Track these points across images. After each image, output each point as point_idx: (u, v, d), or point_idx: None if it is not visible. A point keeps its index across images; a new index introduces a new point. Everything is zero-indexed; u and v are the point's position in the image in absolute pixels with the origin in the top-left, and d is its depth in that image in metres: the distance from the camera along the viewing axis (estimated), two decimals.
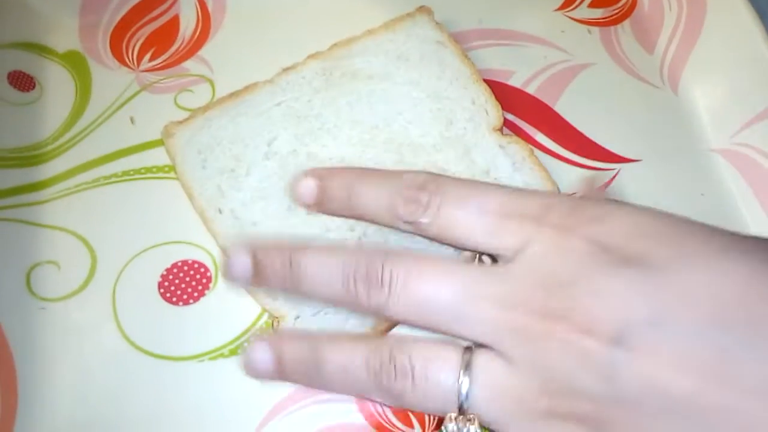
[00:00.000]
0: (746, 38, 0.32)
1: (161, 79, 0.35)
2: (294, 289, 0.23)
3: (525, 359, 0.19)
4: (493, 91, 0.32)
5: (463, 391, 0.20)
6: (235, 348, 0.28)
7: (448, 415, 0.20)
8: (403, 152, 0.30)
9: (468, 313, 0.20)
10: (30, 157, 0.32)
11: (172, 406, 0.27)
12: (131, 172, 0.32)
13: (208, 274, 0.29)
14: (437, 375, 0.20)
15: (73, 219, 0.31)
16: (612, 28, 0.37)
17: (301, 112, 0.32)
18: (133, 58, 0.36)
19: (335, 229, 0.28)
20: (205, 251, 0.30)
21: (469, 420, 0.20)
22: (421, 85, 0.32)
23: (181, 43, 0.36)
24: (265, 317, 0.28)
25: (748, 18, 0.32)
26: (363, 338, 0.23)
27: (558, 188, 0.30)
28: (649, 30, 0.36)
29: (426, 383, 0.20)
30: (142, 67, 0.35)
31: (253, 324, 0.28)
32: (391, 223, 0.24)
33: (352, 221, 0.28)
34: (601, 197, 0.27)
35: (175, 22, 0.37)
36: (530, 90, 0.34)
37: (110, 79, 0.35)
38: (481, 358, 0.20)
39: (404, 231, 0.24)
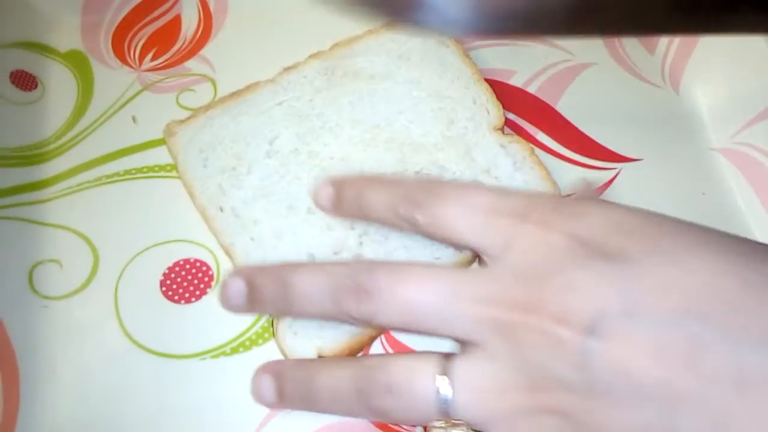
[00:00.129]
0: (747, 38, 0.32)
1: (163, 79, 0.35)
2: (287, 309, 0.24)
3: (505, 353, 0.20)
4: (494, 90, 0.32)
5: (443, 395, 0.20)
6: (237, 346, 0.28)
7: (433, 423, 0.21)
8: (404, 151, 0.31)
9: (452, 313, 0.21)
10: (32, 156, 0.32)
11: (174, 404, 0.27)
12: (133, 171, 0.32)
13: (210, 272, 0.29)
14: (418, 386, 0.21)
15: (76, 218, 0.31)
16: None
17: (302, 111, 0.32)
18: (135, 58, 0.36)
19: (336, 227, 0.28)
20: (207, 250, 0.30)
21: (455, 425, 0.21)
22: (423, 84, 0.32)
23: (183, 43, 0.36)
24: (266, 316, 0.29)
25: None
26: (352, 360, 0.24)
27: (558, 187, 0.30)
28: None
29: (409, 396, 0.21)
30: (144, 67, 0.35)
31: (255, 322, 0.28)
32: (395, 223, 0.25)
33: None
34: (596, 198, 0.27)
35: (177, 22, 0.37)
36: (531, 89, 0.34)
37: (112, 78, 0.35)
38: (460, 362, 0.21)
39: (406, 231, 0.25)
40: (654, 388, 0.18)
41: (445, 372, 0.21)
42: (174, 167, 0.31)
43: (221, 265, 0.29)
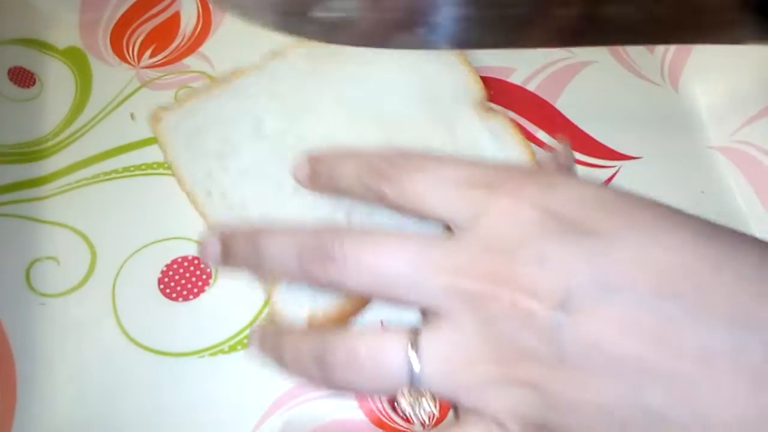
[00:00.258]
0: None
1: (162, 76, 0.35)
2: (257, 268, 0.24)
3: (472, 324, 0.20)
4: (493, 88, 0.32)
5: (416, 369, 0.20)
6: (235, 344, 0.28)
7: (400, 390, 0.21)
8: (388, 129, 0.31)
9: (420, 280, 0.21)
10: (30, 153, 0.32)
11: (172, 402, 0.27)
12: (131, 168, 0.32)
13: (208, 270, 0.29)
14: (385, 360, 0.21)
15: (73, 215, 0.31)
16: None
17: (287, 94, 0.32)
18: (133, 55, 0.36)
19: (323, 205, 0.29)
20: None
21: (423, 395, 0.21)
22: (405, 64, 0.32)
23: (182, 40, 0.36)
24: (265, 314, 0.28)
25: None
26: (310, 331, 0.24)
27: (534, 155, 0.30)
28: None
29: (376, 371, 0.21)
30: (142, 64, 0.35)
31: (253, 320, 0.28)
32: (365, 196, 0.24)
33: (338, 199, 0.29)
34: (571, 159, 0.27)
35: (175, 19, 0.37)
36: (531, 87, 0.34)
37: (111, 75, 0.35)
38: (427, 333, 0.21)
39: (376, 204, 0.24)
40: (623, 363, 0.18)
41: (412, 343, 0.20)
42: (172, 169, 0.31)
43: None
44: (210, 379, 0.27)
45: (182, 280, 0.29)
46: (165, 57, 0.35)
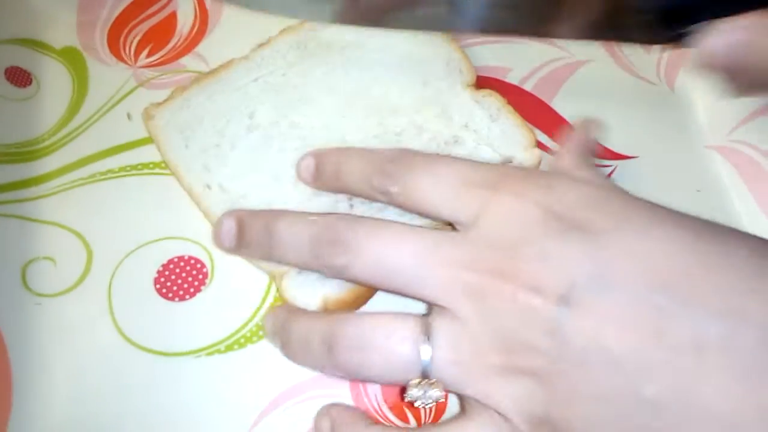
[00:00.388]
0: None
1: (158, 75, 0.35)
2: (269, 253, 0.25)
3: (477, 317, 0.21)
4: (490, 87, 0.32)
5: (426, 357, 0.21)
6: (232, 344, 0.28)
7: (411, 381, 0.22)
8: (383, 115, 0.31)
9: (425, 274, 0.22)
10: (26, 152, 0.32)
11: (168, 402, 0.27)
12: (128, 168, 0.32)
13: (204, 270, 0.29)
14: (397, 347, 0.21)
15: (69, 215, 0.31)
16: None
17: (278, 85, 0.32)
18: (130, 55, 0.36)
19: (324, 194, 0.29)
20: (201, 247, 0.30)
21: (432, 384, 0.21)
22: (394, 49, 0.33)
23: (179, 40, 0.36)
24: (261, 313, 0.28)
25: None
26: (322, 315, 0.24)
27: (534, 134, 0.31)
28: None
29: (386, 355, 0.22)
30: (139, 64, 0.35)
31: (250, 319, 0.28)
32: (369, 194, 0.25)
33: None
34: (593, 146, 0.28)
35: (172, 19, 0.37)
36: (527, 87, 0.34)
37: (107, 75, 0.35)
38: (438, 323, 0.21)
39: (381, 202, 0.26)
40: (622, 356, 0.19)
41: (424, 333, 0.21)
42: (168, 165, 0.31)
43: (215, 263, 0.29)
44: (206, 379, 0.27)
45: (178, 280, 0.29)
46: (162, 57, 0.35)
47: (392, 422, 0.26)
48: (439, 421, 0.26)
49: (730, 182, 0.32)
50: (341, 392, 0.27)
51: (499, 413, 0.21)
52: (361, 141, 0.30)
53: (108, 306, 0.28)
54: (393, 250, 0.22)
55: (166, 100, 0.32)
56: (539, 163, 0.30)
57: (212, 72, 0.33)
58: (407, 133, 0.31)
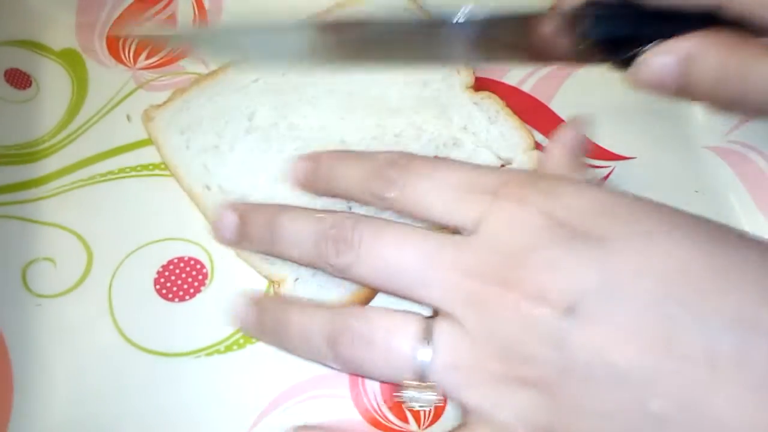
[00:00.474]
0: None
1: (158, 77, 0.35)
2: (272, 248, 0.25)
3: (479, 325, 0.20)
4: (488, 89, 0.32)
5: (424, 359, 0.21)
6: (231, 344, 0.28)
7: (407, 382, 0.21)
8: (382, 116, 0.31)
9: (428, 278, 0.21)
10: (26, 154, 0.32)
11: (168, 402, 0.27)
12: (127, 170, 0.32)
13: (204, 270, 0.29)
14: (397, 343, 0.21)
15: (69, 216, 0.31)
16: None
17: (277, 86, 0.32)
18: (129, 56, 0.36)
19: (322, 197, 0.29)
20: (200, 248, 0.30)
21: (428, 387, 0.21)
22: None
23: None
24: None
25: None
26: (326, 306, 0.24)
27: (533, 136, 0.31)
28: None
29: (386, 352, 0.21)
30: (138, 65, 0.35)
31: None
32: (366, 200, 0.25)
33: None
34: (583, 147, 0.27)
35: (171, 21, 0.37)
36: (525, 88, 0.34)
37: (107, 76, 0.35)
38: (440, 326, 0.21)
39: (378, 208, 0.25)
40: (629, 371, 0.18)
41: (426, 335, 0.21)
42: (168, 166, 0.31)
43: (215, 264, 0.29)
44: (206, 380, 0.27)
45: (178, 281, 0.29)
46: (161, 59, 0.35)
47: (392, 422, 0.27)
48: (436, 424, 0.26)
49: (728, 183, 0.32)
50: (341, 392, 0.27)
51: (499, 423, 0.20)
52: (360, 142, 0.30)
53: (108, 307, 0.29)
54: (398, 252, 0.22)
55: (165, 102, 0.32)
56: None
57: (212, 74, 0.33)
58: (406, 134, 0.31)
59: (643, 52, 0.22)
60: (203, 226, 0.29)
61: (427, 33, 0.25)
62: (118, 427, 0.27)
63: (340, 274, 0.23)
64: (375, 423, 0.26)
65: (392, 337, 0.21)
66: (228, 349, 0.28)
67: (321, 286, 0.27)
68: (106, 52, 0.36)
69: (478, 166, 0.24)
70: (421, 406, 0.22)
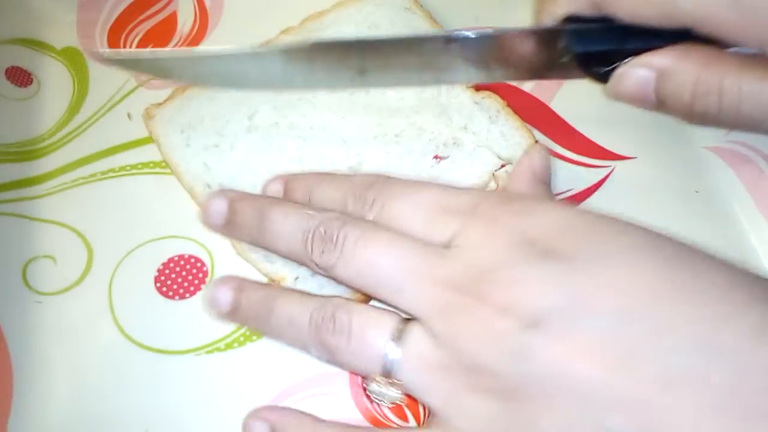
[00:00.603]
0: None
1: None
2: (259, 238, 0.26)
3: (447, 335, 0.21)
4: (489, 89, 0.32)
5: (391, 356, 0.22)
6: (231, 342, 0.28)
7: (373, 376, 0.22)
8: (382, 116, 0.31)
9: (403, 285, 0.22)
10: (27, 152, 0.32)
11: (168, 400, 0.27)
12: (128, 168, 0.32)
13: (204, 268, 0.29)
14: (371, 337, 0.22)
15: (70, 214, 0.31)
16: None
17: None
18: None
19: None
20: (201, 246, 0.30)
21: (393, 384, 0.22)
22: None
23: (179, 40, 0.36)
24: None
25: None
26: (315, 296, 0.25)
27: (533, 136, 0.31)
28: None
29: (360, 344, 0.22)
30: None
31: None
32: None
33: None
34: (547, 168, 0.28)
35: (172, 19, 0.37)
36: (526, 88, 0.34)
37: (107, 75, 0.35)
38: (413, 330, 0.22)
39: None
40: (588, 388, 0.18)
41: (398, 335, 0.22)
42: (169, 164, 0.31)
43: (215, 261, 0.29)
44: (206, 378, 0.27)
45: (178, 279, 0.29)
46: None
47: (392, 421, 0.27)
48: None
49: (728, 183, 0.32)
50: (341, 390, 0.27)
51: (460, 430, 0.21)
52: (361, 141, 0.31)
53: (108, 304, 0.29)
54: (377, 257, 0.23)
55: (166, 100, 0.32)
56: None
57: None
58: (406, 133, 0.31)
59: (622, 65, 0.23)
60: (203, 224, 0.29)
61: (418, 53, 0.26)
62: (117, 424, 0.27)
63: (325, 272, 0.24)
64: (375, 422, 0.26)
65: (367, 331, 0.22)
66: (228, 347, 0.28)
67: (321, 285, 0.27)
68: (107, 50, 0.36)
69: (455, 188, 0.25)
70: (383, 402, 0.23)
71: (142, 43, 0.36)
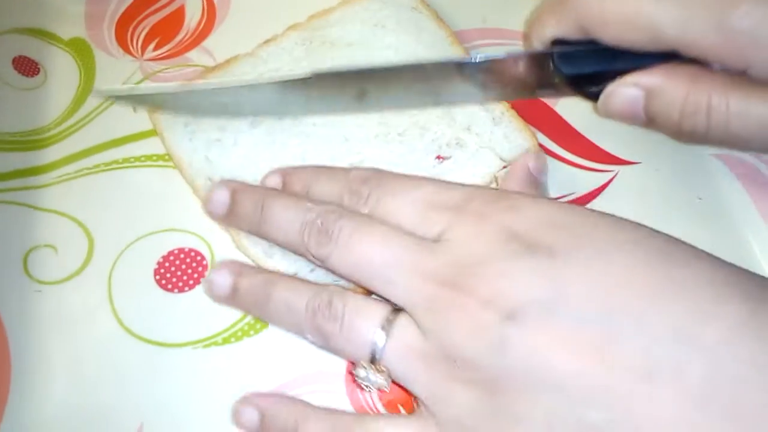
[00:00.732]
0: None
1: (164, 69, 0.35)
2: (258, 229, 0.27)
3: (432, 325, 0.21)
4: None
5: (378, 343, 0.22)
6: (229, 336, 0.28)
7: (360, 362, 0.23)
8: (385, 114, 0.31)
9: (395, 279, 0.23)
10: (32, 141, 0.33)
11: (165, 393, 0.27)
12: (131, 160, 0.32)
13: (204, 262, 0.29)
14: (361, 325, 0.23)
15: (72, 204, 0.31)
16: None
17: None
18: (137, 47, 0.36)
19: None
20: (201, 239, 0.30)
21: (379, 371, 0.23)
22: (400, 49, 0.33)
23: (186, 34, 0.36)
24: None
25: None
26: (312, 283, 0.26)
27: (536, 138, 0.31)
28: None
29: (351, 330, 0.23)
30: (146, 56, 0.35)
31: (247, 314, 0.28)
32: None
33: None
34: (542, 169, 0.29)
35: (180, 13, 0.37)
36: None
37: (114, 67, 0.35)
38: (402, 320, 0.23)
39: None
40: (567, 379, 0.19)
41: (386, 324, 0.22)
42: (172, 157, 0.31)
43: (215, 255, 0.30)
44: (203, 371, 0.27)
45: (178, 272, 0.29)
46: (168, 50, 0.36)
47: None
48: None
49: (732, 190, 0.31)
50: (337, 388, 0.27)
51: (442, 419, 0.21)
52: (363, 139, 0.31)
53: (108, 295, 0.29)
54: (370, 250, 0.23)
55: None
56: None
57: (218, 66, 0.33)
58: (409, 133, 0.31)
59: (611, 85, 0.24)
60: (205, 218, 0.29)
61: (417, 79, 0.28)
62: (113, 416, 0.27)
63: (320, 264, 0.25)
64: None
65: (358, 318, 0.23)
66: (226, 341, 0.28)
67: (319, 280, 0.27)
68: (114, 42, 0.36)
69: (447, 183, 0.25)
70: (369, 388, 0.23)
71: (149, 36, 0.36)
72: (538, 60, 0.26)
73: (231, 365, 0.27)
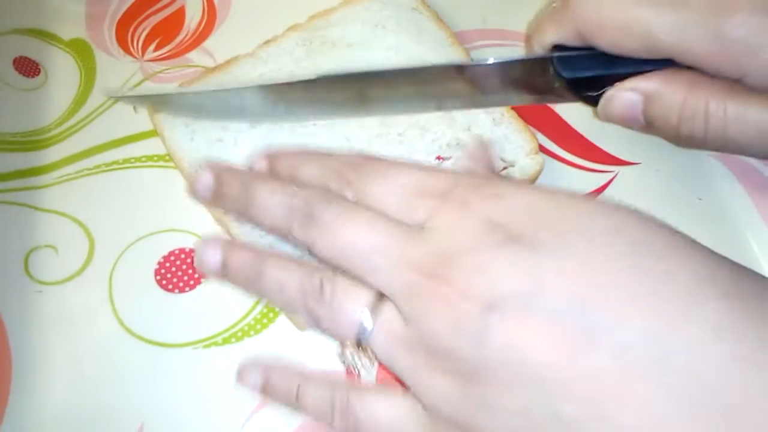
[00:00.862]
0: None
1: (165, 69, 0.35)
2: (244, 211, 0.26)
3: (414, 316, 0.21)
4: None
5: (366, 327, 0.22)
6: (229, 337, 0.28)
7: (346, 342, 0.23)
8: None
9: (378, 265, 0.23)
10: (32, 142, 0.33)
11: (165, 392, 0.27)
12: (132, 160, 0.32)
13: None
14: (349, 308, 0.23)
15: (73, 204, 0.31)
16: None
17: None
18: (138, 48, 0.36)
19: None
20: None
21: (365, 352, 0.23)
22: (400, 50, 0.33)
23: (186, 34, 0.36)
24: (260, 307, 0.29)
25: None
26: (304, 262, 0.25)
27: (536, 139, 0.31)
28: None
29: (338, 313, 0.23)
30: (146, 57, 0.35)
31: (248, 313, 0.28)
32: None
33: None
34: (490, 164, 0.28)
35: (180, 13, 0.37)
36: None
37: (115, 67, 0.35)
38: (386, 306, 0.23)
39: None
40: (543, 372, 0.18)
41: (372, 308, 0.23)
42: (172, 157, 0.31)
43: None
44: (203, 371, 0.27)
45: (179, 272, 0.29)
46: (169, 51, 0.36)
47: None
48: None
49: (732, 191, 0.32)
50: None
51: (425, 405, 0.21)
52: (364, 140, 0.31)
53: (108, 295, 0.29)
54: (354, 236, 0.23)
55: None
56: (541, 168, 0.30)
57: (218, 67, 0.33)
58: (410, 133, 0.31)
59: (611, 89, 0.25)
60: (206, 219, 0.29)
61: (418, 83, 0.28)
62: (114, 416, 0.27)
63: (306, 249, 0.25)
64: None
65: (346, 300, 0.23)
66: (226, 341, 0.28)
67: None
68: (114, 42, 0.36)
69: (434, 170, 0.25)
70: (355, 369, 0.23)
71: (149, 37, 0.36)
72: (538, 65, 0.26)
73: (231, 365, 0.27)
